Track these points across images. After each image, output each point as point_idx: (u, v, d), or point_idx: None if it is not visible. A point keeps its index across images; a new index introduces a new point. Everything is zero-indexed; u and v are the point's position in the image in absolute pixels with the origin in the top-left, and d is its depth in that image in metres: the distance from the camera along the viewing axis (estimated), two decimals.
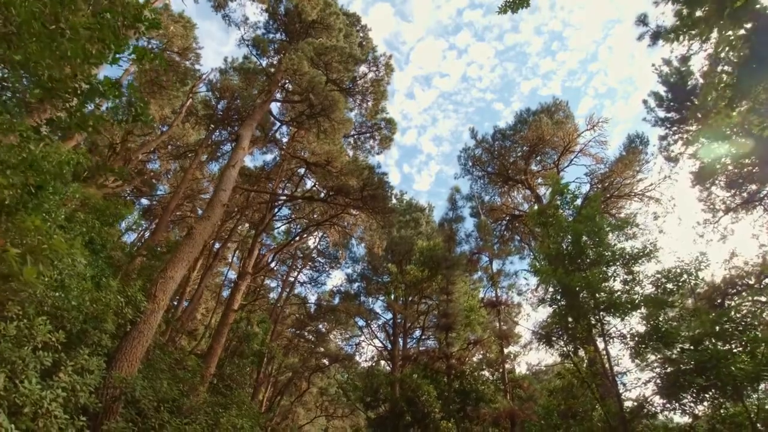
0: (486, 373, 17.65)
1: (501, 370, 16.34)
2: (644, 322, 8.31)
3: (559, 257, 9.66)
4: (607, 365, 8.80)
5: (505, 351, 16.68)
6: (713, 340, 7.25)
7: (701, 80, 19.12)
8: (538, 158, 21.79)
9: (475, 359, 19.39)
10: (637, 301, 8.40)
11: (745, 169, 16.60)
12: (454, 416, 14.59)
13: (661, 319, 8.11)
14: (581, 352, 15.48)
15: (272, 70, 22.85)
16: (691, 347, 7.33)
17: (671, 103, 19.22)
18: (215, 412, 9.76)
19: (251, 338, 18.21)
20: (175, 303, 25.67)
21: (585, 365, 11.23)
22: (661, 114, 20.01)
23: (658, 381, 7.89)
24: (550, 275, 9.23)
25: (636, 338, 8.35)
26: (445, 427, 14.06)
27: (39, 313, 7.01)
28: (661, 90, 20.34)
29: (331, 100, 18.75)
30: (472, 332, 18.29)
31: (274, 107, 24.27)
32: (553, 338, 9.95)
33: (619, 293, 8.80)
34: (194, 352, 19.58)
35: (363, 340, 29.94)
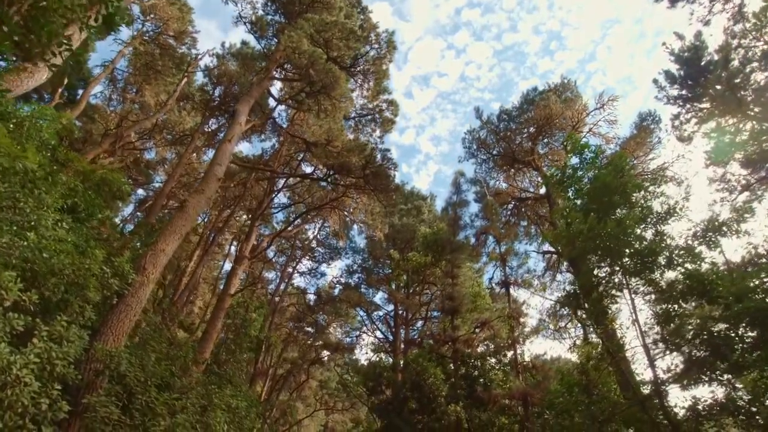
0: (492, 360, 16.96)
1: (512, 351, 15.65)
2: (680, 278, 7.55)
3: (584, 214, 8.84)
4: (636, 332, 8.09)
5: (516, 332, 15.99)
6: (761, 295, 6.56)
7: (716, 56, 18.47)
8: (545, 140, 21.11)
9: (481, 348, 18.69)
10: (674, 255, 7.61)
11: (764, 146, 15.92)
12: (463, 400, 13.87)
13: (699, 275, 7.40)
14: (593, 338, 14.68)
15: (271, 50, 22.12)
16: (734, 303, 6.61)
17: (684, 80, 18.53)
18: (208, 391, 9.03)
19: (248, 324, 17.49)
20: (171, 297, 24.95)
21: (601, 344, 10.52)
22: (674, 92, 19.32)
23: (697, 343, 7.16)
24: (580, 223, 8.41)
25: (674, 294, 7.54)
26: (453, 411, 13.33)
27: (7, 267, 6.28)
28: (673, 68, 19.66)
29: (332, 76, 18.03)
30: (479, 315, 17.59)
31: (274, 91, 23.57)
32: (582, 299, 9.13)
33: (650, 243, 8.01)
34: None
35: (364, 331, 29.23)
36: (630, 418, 8.18)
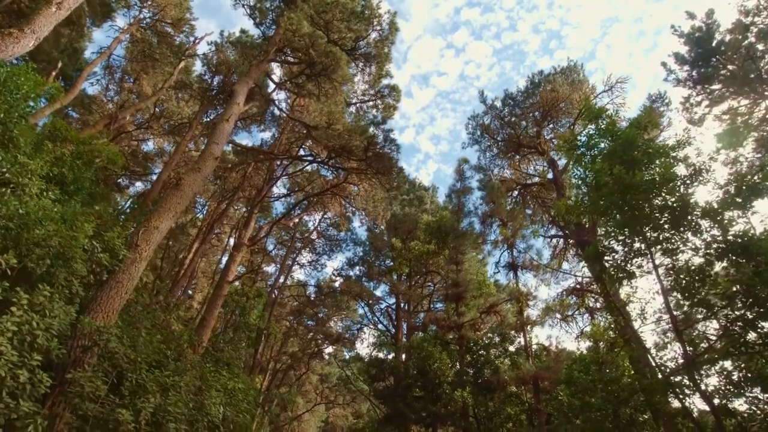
0: (499, 349, 16.48)
1: (522, 334, 15.16)
2: (717, 232, 6.92)
3: (609, 165, 8.03)
4: (662, 301, 7.52)
5: (525, 314, 15.50)
6: None
7: (728, 36, 17.94)
8: (551, 126, 20.59)
9: (488, 335, 18.17)
10: (707, 211, 6.93)
11: None
12: (470, 386, 13.34)
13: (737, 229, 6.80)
14: (604, 321, 14.17)
15: (271, 35, 21.64)
16: None
17: (695, 62, 18.02)
18: (203, 370, 8.53)
19: (247, 312, 16.99)
20: (169, 287, 24.43)
21: (616, 321, 10.03)
22: (683, 74, 18.83)
23: (736, 306, 6.57)
24: (603, 175, 7.73)
25: (709, 253, 6.93)
26: (459, 396, 12.80)
27: None
28: (683, 50, 19.18)
29: (333, 57, 17.56)
30: (484, 301, 17.07)
31: (274, 80, 23.06)
32: (600, 265, 8.47)
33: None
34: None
35: (365, 324, 28.73)
36: (651, 398, 7.67)
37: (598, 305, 18.80)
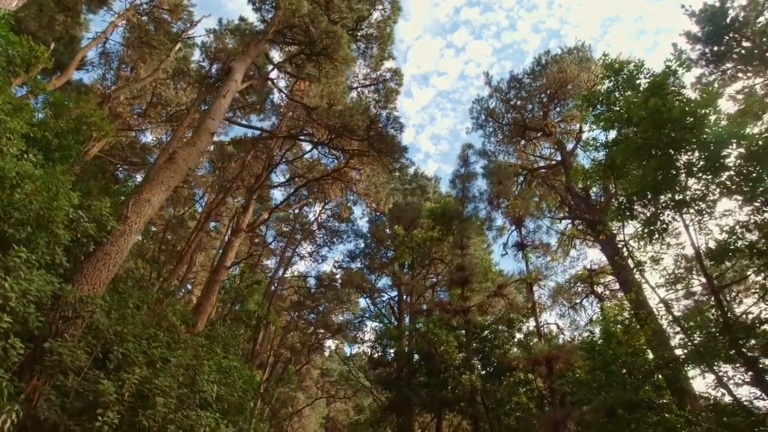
0: (506, 334, 15.92)
1: (533, 316, 14.59)
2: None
3: (644, 99, 7.25)
4: (694, 253, 6.86)
5: (536, 295, 14.95)
6: None
7: (743, 13, 17.37)
8: (558, 109, 20.00)
9: (494, 325, 17.59)
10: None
11: None
12: (477, 369, 12.80)
13: None
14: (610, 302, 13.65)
15: (270, 17, 21.12)
16: None
17: (708, 40, 17.44)
18: (195, 345, 7.97)
19: (245, 298, 16.41)
20: (167, 277, 23.87)
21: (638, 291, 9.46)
22: (695, 54, 18.25)
23: None
24: (637, 108, 7.02)
25: (758, 195, 6.29)
26: (467, 380, 12.22)
27: None
28: (694, 29, 18.61)
29: (334, 36, 17.01)
30: (492, 284, 16.51)
31: (273, 75, 22.56)
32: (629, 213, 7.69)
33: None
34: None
35: (366, 317, 28.13)
36: (677, 374, 7.12)
37: (607, 292, 18.25)
